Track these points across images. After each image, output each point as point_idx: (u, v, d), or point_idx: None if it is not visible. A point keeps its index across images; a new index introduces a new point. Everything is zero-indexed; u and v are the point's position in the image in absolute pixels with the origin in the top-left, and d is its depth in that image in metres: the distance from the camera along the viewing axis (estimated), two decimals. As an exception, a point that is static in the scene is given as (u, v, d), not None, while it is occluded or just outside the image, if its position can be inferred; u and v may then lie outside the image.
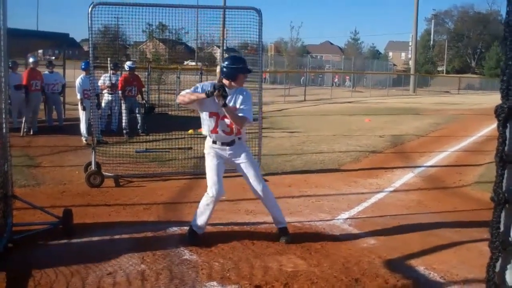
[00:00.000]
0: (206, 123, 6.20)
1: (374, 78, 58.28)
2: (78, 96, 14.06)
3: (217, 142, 6.23)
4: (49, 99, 16.40)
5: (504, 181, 1.55)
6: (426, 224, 7.28)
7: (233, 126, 6.15)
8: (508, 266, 1.59)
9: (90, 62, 10.15)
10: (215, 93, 5.79)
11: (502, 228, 1.57)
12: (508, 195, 1.55)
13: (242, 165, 6.31)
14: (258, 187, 6.29)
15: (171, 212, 7.78)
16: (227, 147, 6.25)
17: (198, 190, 8.86)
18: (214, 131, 6.17)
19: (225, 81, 6.12)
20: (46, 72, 16.57)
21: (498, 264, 1.57)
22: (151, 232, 6.65)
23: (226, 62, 6.19)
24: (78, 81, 14.19)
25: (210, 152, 6.27)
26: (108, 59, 14.81)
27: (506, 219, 1.57)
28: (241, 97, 6.11)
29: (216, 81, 6.15)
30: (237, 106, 6.07)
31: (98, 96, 13.31)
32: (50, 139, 14.40)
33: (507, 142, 1.55)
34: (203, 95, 5.91)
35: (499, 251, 1.55)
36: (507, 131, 1.55)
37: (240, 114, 6.02)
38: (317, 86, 54.53)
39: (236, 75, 6.12)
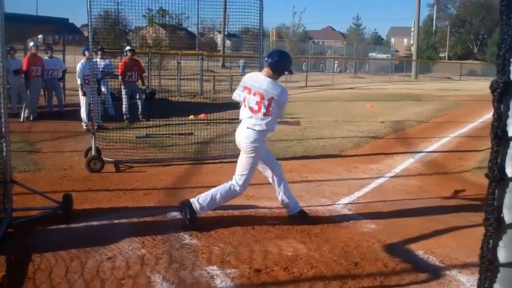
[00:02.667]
0: (247, 110, 6.27)
1: (376, 64, 58.13)
2: (79, 82, 14.03)
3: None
4: (48, 84, 16.36)
5: (499, 157, 1.54)
6: (425, 209, 7.29)
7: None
8: (501, 243, 1.59)
9: (90, 47, 10.11)
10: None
11: (496, 205, 1.56)
12: (502, 172, 1.54)
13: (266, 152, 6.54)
14: (274, 169, 6.48)
15: (172, 197, 7.78)
16: None
17: (198, 175, 8.88)
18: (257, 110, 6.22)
19: (268, 70, 6.22)
20: (46, 57, 16.53)
21: (492, 241, 1.57)
22: (152, 217, 6.66)
23: (275, 54, 6.33)
24: (78, 66, 14.15)
25: (261, 147, 6.28)
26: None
27: (500, 196, 1.56)
28: (278, 94, 6.17)
29: (263, 73, 6.32)
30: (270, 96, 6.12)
31: (99, 81, 13.24)
32: (50, 125, 14.39)
33: (502, 118, 1.53)
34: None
35: (493, 228, 1.55)
36: (502, 106, 1.54)
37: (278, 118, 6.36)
38: (319, 72, 54.44)
39: (282, 71, 6.33)
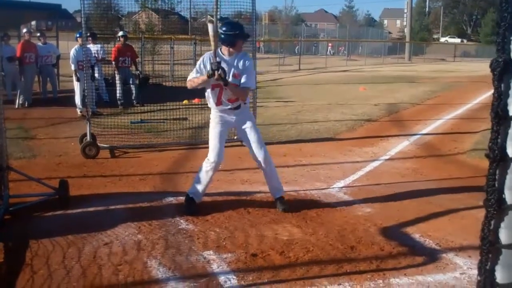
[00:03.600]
0: (210, 96, 6.23)
1: (369, 46, 57.97)
2: (72, 67, 13.98)
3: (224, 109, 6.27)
4: (43, 70, 16.28)
5: (499, 137, 1.53)
6: (421, 192, 7.30)
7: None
8: (502, 224, 1.59)
9: (83, 33, 10.05)
10: (215, 77, 5.86)
11: (497, 186, 1.55)
12: (503, 152, 1.53)
13: (247, 130, 6.35)
14: (260, 153, 6.32)
15: (167, 182, 7.79)
16: (233, 111, 6.29)
17: (193, 160, 8.87)
18: (218, 102, 6.21)
19: (224, 49, 6.15)
20: (39, 43, 16.43)
21: (493, 222, 1.56)
22: (147, 202, 6.66)
23: (223, 29, 6.15)
24: (72, 52, 14.08)
25: (216, 118, 6.30)
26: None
27: (501, 176, 1.55)
28: (242, 63, 6.15)
29: (211, 53, 6.12)
30: (239, 73, 6.10)
31: (93, 67, 13.15)
32: (45, 111, 14.35)
33: (502, 97, 1.52)
34: (206, 77, 5.98)
35: (494, 209, 1.54)
36: (503, 85, 1.53)
37: (242, 86, 6.10)
38: (312, 55, 54.27)
39: (235, 41, 6.13)
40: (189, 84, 6.29)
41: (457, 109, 16.88)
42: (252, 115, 6.71)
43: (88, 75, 10.36)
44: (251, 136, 6.33)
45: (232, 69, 6.11)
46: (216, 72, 5.83)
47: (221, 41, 6.14)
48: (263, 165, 6.40)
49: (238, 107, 6.29)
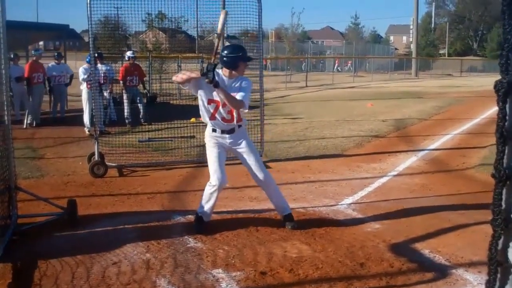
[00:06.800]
0: (205, 110, 6.15)
1: (376, 63, 58.01)
2: (82, 85, 14.07)
3: (217, 130, 6.20)
4: (55, 90, 16.32)
5: (505, 157, 1.54)
6: (430, 207, 7.28)
7: (234, 113, 6.11)
8: (510, 244, 1.58)
9: (91, 53, 10.14)
10: (206, 79, 5.68)
11: (503, 206, 1.56)
12: (509, 172, 1.54)
13: (243, 153, 6.29)
14: (259, 175, 6.28)
15: (175, 200, 7.80)
16: (227, 135, 6.22)
17: (201, 178, 8.86)
18: (212, 117, 6.12)
19: (225, 71, 6.07)
20: (53, 63, 16.51)
21: (500, 242, 1.56)
22: (156, 221, 6.66)
23: (225, 51, 6.07)
24: (81, 70, 14.18)
25: (211, 141, 6.25)
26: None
27: (507, 196, 1.56)
28: (239, 84, 6.04)
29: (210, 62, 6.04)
30: (236, 93, 5.97)
31: (101, 86, 13.20)
32: (53, 131, 14.41)
33: (507, 117, 1.53)
34: (196, 74, 5.87)
35: (501, 229, 1.54)
36: (507, 106, 1.54)
37: (238, 98, 5.94)
38: (319, 72, 54.34)
39: (237, 63, 6.04)
40: (174, 78, 6.15)
41: (464, 124, 16.85)
42: (247, 136, 6.57)
43: (96, 93, 10.40)
44: (249, 158, 6.29)
45: (231, 92, 5.95)
46: (209, 73, 5.63)
47: (223, 64, 6.05)
48: (264, 186, 6.42)
49: (232, 131, 6.23)
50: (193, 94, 6.28)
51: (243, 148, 6.29)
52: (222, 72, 6.10)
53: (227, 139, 6.24)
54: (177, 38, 23.81)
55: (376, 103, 23.30)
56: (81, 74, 14.08)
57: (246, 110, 6.17)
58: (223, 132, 6.20)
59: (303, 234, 6.15)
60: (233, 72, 6.06)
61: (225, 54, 6.03)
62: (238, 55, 6.04)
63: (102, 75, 14.29)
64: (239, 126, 6.28)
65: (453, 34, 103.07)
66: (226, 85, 5.99)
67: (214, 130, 6.21)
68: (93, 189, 8.41)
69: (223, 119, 6.14)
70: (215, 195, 6.17)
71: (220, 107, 6.06)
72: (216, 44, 6.19)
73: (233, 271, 5.06)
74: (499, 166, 1.53)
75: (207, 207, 6.26)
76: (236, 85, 6.04)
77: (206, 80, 5.68)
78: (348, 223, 6.63)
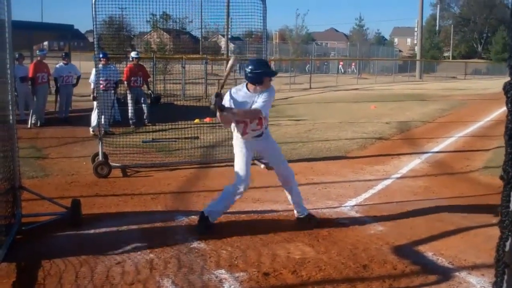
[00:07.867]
0: (237, 129, 6.29)
1: (380, 65, 57.94)
2: (92, 86, 14.09)
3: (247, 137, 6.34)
4: (62, 90, 16.33)
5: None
6: (433, 210, 7.27)
7: (262, 121, 6.21)
8: (518, 246, 1.58)
9: (95, 53, 10.15)
10: (211, 106, 5.94)
11: (511, 207, 1.55)
12: (517, 174, 1.53)
13: (271, 154, 6.58)
14: (287, 174, 6.53)
15: (179, 201, 7.80)
16: (256, 138, 6.36)
17: (205, 179, 8.90)
18: (244, 133, 6.26)
19: (251, 86, 6.13)
20: (61, 63, 16.54)
21: (508, 244, 1.56)
22: (159, 221, 6.67)
23: (250, 67, 6.11)
24: (93, 72, 14.18)
25: (240, 143, 6.33)
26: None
27: (515, 197, 1.55)
28: (261, 94, 6.10)
29: (235, 88, 6.31)
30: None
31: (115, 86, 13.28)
32: (57, 131, 14.44)
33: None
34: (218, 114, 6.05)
35: (509, 230, 1.54)
36: (516, 108, 1.53)
37: (253, 107, 6.06)
38: (323, 74, 54.30)
39: (261, 79, 6.09)
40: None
41: (468, 126, 16.83)
42: (273, 139, 6.75)
43: (110, 94, 10.40)
44: (278, 159, 6.56)
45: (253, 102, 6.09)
46: (212, 105, 5.89)
47: (248, 80, 6.11)
48: (290, 186, 6.58)
49: (260, 135, 6.37)
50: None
51: (271, 150, 6.57)
52: (248, 87, 6.17)
53: (255, 142, 6.38)
54: (181, 39, 23.81)
55: (380, 105, 23.29)
56: (92, 77, 14.03)
57: (264, 115, 6.20)
58: (252, 137, 6.33)
59: (307, 235, 6.15)
60: (258, 87, 6.10)
61: (249, 70, 6.08)
62: (262, 71, 6.11)
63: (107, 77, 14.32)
64: (266, 128, 6.43)
65: (458, 36, 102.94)
66: (250, 100, 6.10)
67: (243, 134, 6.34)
68: (97, 189, 8.42)
69: (253, 130, 6.27)
70: (237, 197, 6.30)
71: (249, 123, 6.19)
72: (223, 81, 6.38)
73: (237, 272, 5.07)
74: (507, 168, 1.52)
75: (220, 208, 6.34)
76: (259, 99, 6.12)
77: (214, 110, 5.97)
78: (351, 225, 6.62)
